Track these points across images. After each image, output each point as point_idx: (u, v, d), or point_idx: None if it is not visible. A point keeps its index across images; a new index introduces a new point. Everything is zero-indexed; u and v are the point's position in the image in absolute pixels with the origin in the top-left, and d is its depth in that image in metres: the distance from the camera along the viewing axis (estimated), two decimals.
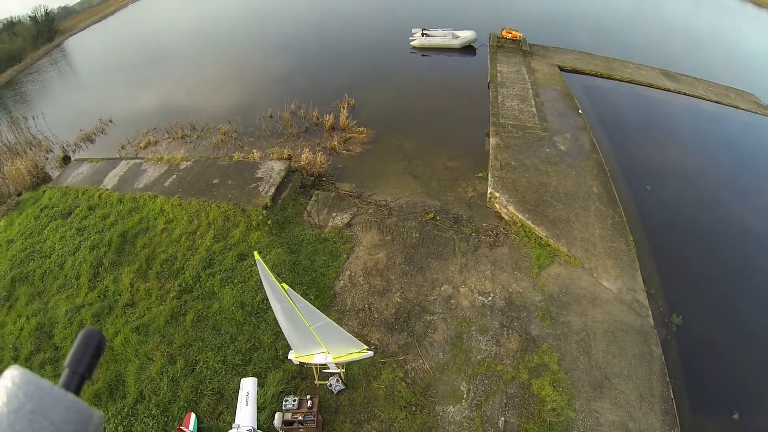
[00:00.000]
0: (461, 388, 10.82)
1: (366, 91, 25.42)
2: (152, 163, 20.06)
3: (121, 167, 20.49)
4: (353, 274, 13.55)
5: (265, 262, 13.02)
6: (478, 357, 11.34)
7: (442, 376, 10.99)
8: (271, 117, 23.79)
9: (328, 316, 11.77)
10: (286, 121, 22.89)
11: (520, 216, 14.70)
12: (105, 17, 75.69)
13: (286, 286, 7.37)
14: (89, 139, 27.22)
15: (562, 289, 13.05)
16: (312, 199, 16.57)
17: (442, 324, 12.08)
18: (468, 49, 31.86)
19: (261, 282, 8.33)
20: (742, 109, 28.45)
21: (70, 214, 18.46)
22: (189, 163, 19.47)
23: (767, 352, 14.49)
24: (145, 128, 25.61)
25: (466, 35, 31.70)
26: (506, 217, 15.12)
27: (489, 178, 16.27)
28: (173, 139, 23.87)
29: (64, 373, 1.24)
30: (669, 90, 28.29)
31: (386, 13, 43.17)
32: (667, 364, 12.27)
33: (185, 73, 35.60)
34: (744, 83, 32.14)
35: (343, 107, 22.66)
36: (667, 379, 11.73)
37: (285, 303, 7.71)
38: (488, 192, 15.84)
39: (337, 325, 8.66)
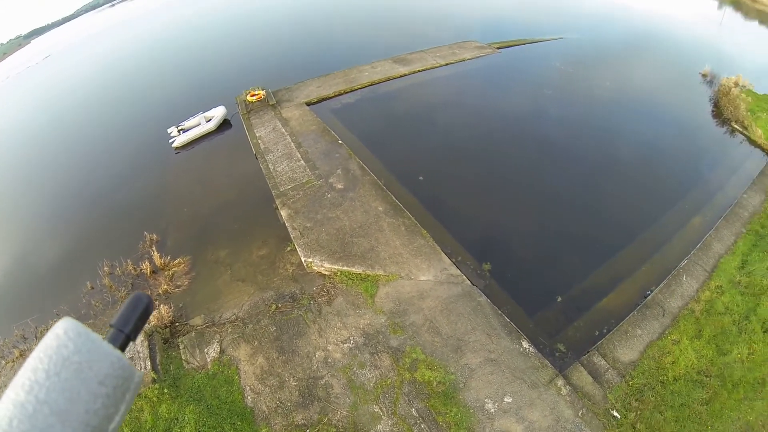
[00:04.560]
0: (375, 409, 15.11)
1: (158, 219, 26.88)
2: None
3: None
4: (252, 386, 16.72)
5: (186, 423, 16.09)
6: (371, 384, 15.73)
7: (359, 412, 15.15)
8: (93, 289, 24.45)
9: (259, 429, 15.42)
10: (109, 287, 24.00)
11: (336, 267, 19.14)
12: None
13: None
14: None
15: (395, 302, 17.94)
16: (181, 348, 19.01)
17: (333, 380, 16.07)
18: (225, 124, 34.09)
19: None
20: (468, 59, 35.19)
21: None
22: None
23: (556, 249, 21.13)
24: None
25: (216, 113, 33.75)
26: (327, 273, 19.38)
27: (297, 249, 20.36)
28: (12, 361, 23.08)
29: (111, 331, 1.45)
30: (405, 75, 33.70)
31: (133, 121, 41.85)
32: (496, 301, 18.12)
33: None
34: (468, 33, 39.19)
35: (151, 248, 24.59)
36: (499, 312, 17.44)
37: None
38: (303, 261, 19.88)
39: None
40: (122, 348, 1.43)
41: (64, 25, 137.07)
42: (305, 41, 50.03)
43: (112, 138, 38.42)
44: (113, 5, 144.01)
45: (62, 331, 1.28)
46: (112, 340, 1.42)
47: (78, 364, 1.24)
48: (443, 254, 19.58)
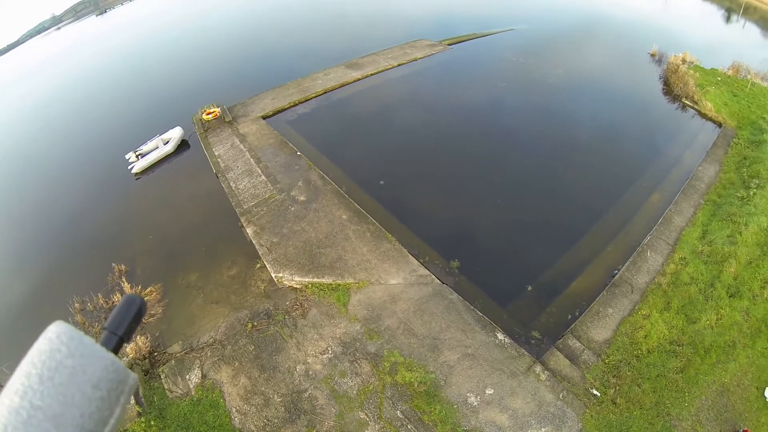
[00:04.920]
0: (362, 416, 15.68)
1: (125, 248, 26.24)
2: None
3: None
4: (238, 407, 17.01)
5: None
6: (354, 391, 16.28)
7: (346, 420, 15.69)
8: None
9: None
10: (83, 324, 23.48)
11: (307, 279, 19.73)
12: None
13: None
14: None
15: (368, 308, 18.56)
16: (162, 377, 19.04)
17: (317, 392, 16.56)
18: (183, 145, 33.69)
19: None
20: (420, 58, 36.05)
21: None
22: None
23: (522, 238, 22.15)
24: None
25: (173, 135, 33.39)
26: (299, 287, 19.90)
27: (266, 265, 20.78)
28: None
29: (104, 334, 1.45)
30: (358, 79, 34.24)
31: (90, 149, 40.09)
32: (467, 296, 18.83)
33: None
34: (419, 31, 39.86)
35: (121, 279, 24.29)
36: (471, 307, 18.34)
37: None
38: (273, 276, 20.35)
39: None
40: (116, 350, 1.45)
41: (10, 52, 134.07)
42: (256, 54, 50.38)
43: (70, 168, 37.34)
44: (59, 28, 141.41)
45: (55, 335, 1.30)
46: (106, 343, 1.44)
47: (71, 368, 1.25)
48: (410, 256, 20.26)
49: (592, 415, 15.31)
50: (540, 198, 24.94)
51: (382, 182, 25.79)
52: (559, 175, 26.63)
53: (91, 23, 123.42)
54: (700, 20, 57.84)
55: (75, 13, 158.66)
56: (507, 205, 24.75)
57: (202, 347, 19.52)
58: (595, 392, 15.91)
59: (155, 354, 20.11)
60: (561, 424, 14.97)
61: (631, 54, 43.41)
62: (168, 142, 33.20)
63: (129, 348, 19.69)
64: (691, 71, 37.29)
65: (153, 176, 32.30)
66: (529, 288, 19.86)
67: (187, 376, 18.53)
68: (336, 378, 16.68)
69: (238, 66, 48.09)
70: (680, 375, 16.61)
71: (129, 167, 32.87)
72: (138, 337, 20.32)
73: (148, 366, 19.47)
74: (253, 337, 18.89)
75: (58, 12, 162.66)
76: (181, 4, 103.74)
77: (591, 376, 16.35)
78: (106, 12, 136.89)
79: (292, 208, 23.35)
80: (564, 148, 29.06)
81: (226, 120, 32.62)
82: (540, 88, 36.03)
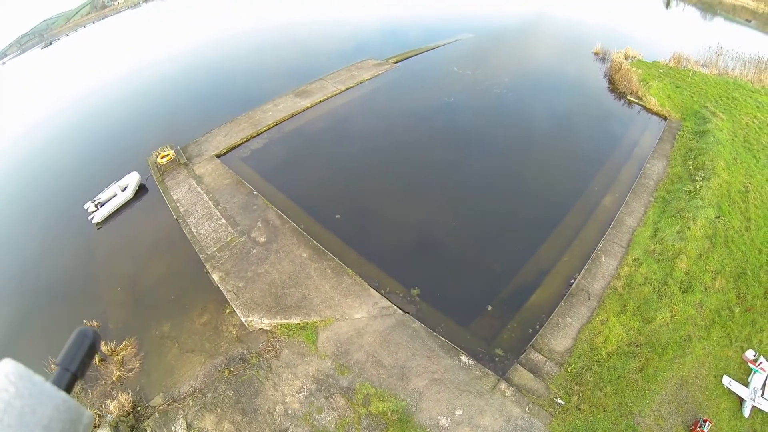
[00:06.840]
0: None
1: (95, 303, 26.25)
2: None
3: None
4: None
5: None
6: (333, 426, 17.60)
7: None
8: None
9: None
10: None
11: (275, 321, 21.10)
12: None
13: None
14: None
15: (337, 344, 19.95)
16: (148, 431, 19.75)
17: (298, 430, 17.77)
18: (141, 190, 33.79)
19: None
20: (367, 79, 37.26)
21: None
22: None
23: (479, 257, 23.59)
24: None
25: (130, 180, 33.46)
26: (269, 329, 21.18)
27: (236, 310, 22.02)
28: None
29: (56, 371, 1.45)
30: (308, 108, 35.28)
31: (46, 203, 38.52)
32: (430, 322, 20.44)
33: None
34: (364, 50, 40.70)
35: None
36: (434, 333, 19.64)
37: None
38: (243, 321, 21.59)
39: None
40: (68, 388, 1.47)
41: None
42: (205, 87, 50.73)
43: (27, 224, 36.42)
44: (4, 63, 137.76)
45: (3, 374, 1.31)
46: (57, 381, 1.47)
47: (20, 408, 1.25)
48: (372, 289, 21.83)
49: (558, 423, 16.90)
50: (494, 212, 26.36)
51: (338, 216, 27.12)
52: (512, 187, 28.16)
53: (36, 56, 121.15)
54: (640, 9, 59.95)
55: (20, 46, 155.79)
56: (463, 223, 26.15)
57: (184, 397, 20.33)
58: (559, 401, 17.42)
59: (138, 408, 20.64)
60: None
61: (576, 55, 45.29)
62: (126, 188, 33.33)
63: (113, 406, 20.26)
64: (634, 68, 39.53)
65: (114, 225, 32.25)
66: (490, 308, 21.31)
67: (173, 428, 19.28)
68: (314, 414, 17.96)
69: (188, 101, 48.29)
70: (640, 374, 18.25)
71: (89, 217, 32.66)
72: (120, 394, 20.96)
73: (133, 421, 20.06)
74: (231, 382, 19.94)
75: (2, 46, 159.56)
76: (124, 33, 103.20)
77: (554, 386, 17.93)
78: (51, 43, 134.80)
79: (254, 251, 24.51)
80: (514, 159, 30.64)
81: (181, 162, 33.24)
82: (488, 99, 37.53)
